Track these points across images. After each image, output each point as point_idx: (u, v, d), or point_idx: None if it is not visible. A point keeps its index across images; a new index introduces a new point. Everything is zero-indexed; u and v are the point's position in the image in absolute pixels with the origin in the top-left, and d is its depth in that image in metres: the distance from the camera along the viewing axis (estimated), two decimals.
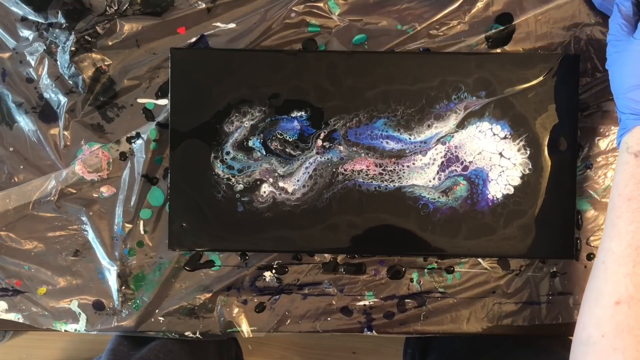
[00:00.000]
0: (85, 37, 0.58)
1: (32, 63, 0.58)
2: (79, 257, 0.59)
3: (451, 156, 0.54)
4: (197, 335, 0.59)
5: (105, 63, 0.58)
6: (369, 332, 0.58)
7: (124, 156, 0.58)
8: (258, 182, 0.54)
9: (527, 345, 0.63)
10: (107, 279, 0.59)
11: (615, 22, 0.49)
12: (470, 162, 0.54)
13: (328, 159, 0.54)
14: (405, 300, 0.58)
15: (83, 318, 0.59)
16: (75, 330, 0.59)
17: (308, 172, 0.54)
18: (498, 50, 0.57)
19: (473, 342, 0.72)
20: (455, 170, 0.54)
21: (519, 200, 0.53)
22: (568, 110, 0.53)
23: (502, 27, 0.57)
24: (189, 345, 0.68)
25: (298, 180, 0.54)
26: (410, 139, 0.54)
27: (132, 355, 0.63)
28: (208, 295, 0.59)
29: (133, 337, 0.73)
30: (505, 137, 0.53)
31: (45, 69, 0.58)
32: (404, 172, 0.54)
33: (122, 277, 0.59)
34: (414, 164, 0.54)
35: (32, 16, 0.58)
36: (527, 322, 0.58)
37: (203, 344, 0.72)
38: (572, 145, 0.54)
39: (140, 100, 0.58)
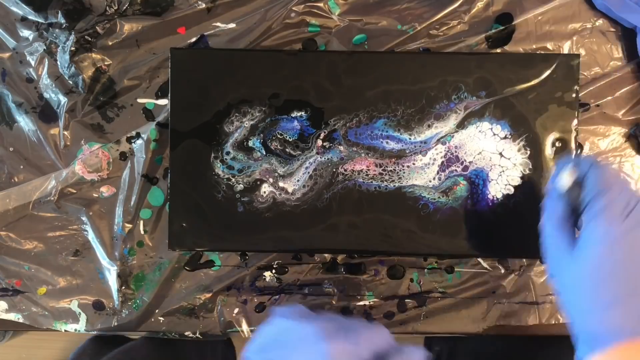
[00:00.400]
0: (85, 37, 0.58)
1: (32, 63, 0.58)
2: (79, 257, 0.59)
3: (451, 156, 0.54)
4: (197, 335, 0.59)
5: (105, 63, 0.58)
6: None
7: (124, 156, 0.58)
8: (258, 182, 0.54)
9: (533, 344, 0.62)
10: (107, 279, 0.59)
11: (549, 229, 0.42)
12: (470, 162, 0.54)
13: (328, 159, 0.54)
14: (405, 300, 0.58)
15: (83, 318, 0.59)
16: (75, 330, 0.59)
17: (308, 172, 0.54)
18: (498, 50, 0.57)
19: (504, 343, 0.71)
20: (456, 170, 0.54)
21: (519, 200, 0.53)
22: (568, 110, 0.53)
23: (502, 27, 0.57)
24: (164, 351, 0.68)
25: (298, 180, 0.54)
26: (410, 139, 0.54)
27: None
28: (208, 295, 0.59)
29: (101, 343, 0.73)
30: (505, 137, 0.53)
31: (45, 69, 0.58)
32: (404, 172, 0.54)
33: (122, 277, 0.59)
34: (414, 164, 0.54)
35: (32, 16, 0.58)
36: (527, 322, 0.58)
37: (182, 350, 0.72)
38: (572, 145, 0.54)
39: (140, 100, 0.58)
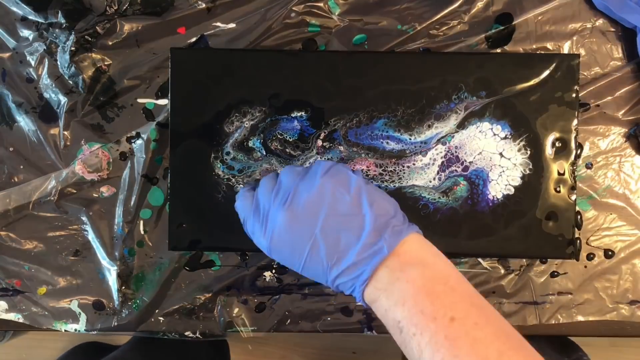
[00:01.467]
0: (85, 37, 0.58)
1: (32, 63, 0.58)
2: (79, 257, 0.59)
3: (451, 156, 0.54)
4: (197, 335, 0.59)
5: (105, 63, 0.58)
6: (369, 332, 0.58)
7: (124, 156, 0.58)
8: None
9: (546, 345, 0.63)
10: (107, 279, 0.59)
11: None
12: (470, 163, 0.54)
13: (328, 159, 0.54)
14: None
15: (83, 318, 0.59)
16: (75, 330, 0.59)
17: None
18: (498, 50, 0.57)
19: None
20: (456, 170, 0.54)
21: (520, 200, 0.53)
22: (568, 110, 0.53)
23: (502, 27, 0.57)
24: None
25: None
26: (410, 139, 0.54)
27: None
28: (208, 295, 0.59)
29: (82, 353, 0.73)
30: (505, 137, 0.53)
31: (45, 69, 0.58)
32: (404, 173, 0.54)
33: (122, 277, 0.59)
34: (414, 164, 0.54)
35: (32, 16, 0.58)
36: (527, 322, 0.58)
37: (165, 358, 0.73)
38: (572, 145, 0.54)
39: (140, 100, 0.58)
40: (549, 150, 0.53)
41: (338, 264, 0.40)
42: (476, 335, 0.36)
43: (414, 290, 0.37)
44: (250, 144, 0.54)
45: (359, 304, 0.41)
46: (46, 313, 0.59)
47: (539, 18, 0.57)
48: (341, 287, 0.41)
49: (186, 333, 0.59)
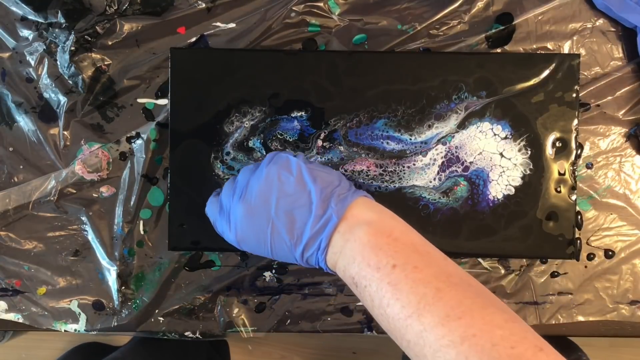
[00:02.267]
0: (85, 37, 0.58)
1: (32, 63, 0.58)
2: (79, 257, 0.59)
3: (452, 156, 0.54)
4: (197, 335, 0.59)
5: (105, 63, 0.58)
6: (369, 332, 0.58)
7: (123, 156, 0.58)
8: None
9: None
10: (107, 279, 0.59)
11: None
12: (470, 163, 0.54)
13: (328, 159, 0.54)
14: None
15: (83, 318, 0.59)
16: (75, 330, 0.59)
17: None
18: (498, 50, 0.57)
19: None
20: (456, 170, 0.54)
21: (520, 200, 0.53)
22: (568, 110, 0.53)
23: (502, 27, 0.57)
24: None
25: None
26: (410, 139, 0.54)
27: None
28: (208, 295, 0.59)
29: (82, 354, 0.73)
30: (506, 137, 0.53)
31: (45, 68, 0.58)
32: (404, 173, 0.54)
33: (122, 277, 0.59)
34: (414, 164, 0.54)
35: (32, 16, 0.58)
36: (527, 322, 0.58)
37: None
38: (572, 145, 0.54)
39: (140, 100, 0.58)
40: (549, 150, 0.53)
41: (299, 240, 0.43)
42: (415, 277, 0.38)
43: (361, 247, 0.41)
44: (250, 144, 0.54)
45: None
46: (46, 313, 0.59)
47: (539, 18, 0.57)
48: (310, 260, 0.44)
49: (186, 333, 0.59)
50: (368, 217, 0.42)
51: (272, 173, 0.45)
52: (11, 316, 0.59)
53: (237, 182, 0.47)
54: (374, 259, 0.40)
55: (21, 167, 0.59)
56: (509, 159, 0.53)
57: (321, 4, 0.57)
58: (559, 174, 0.53)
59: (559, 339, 0.64)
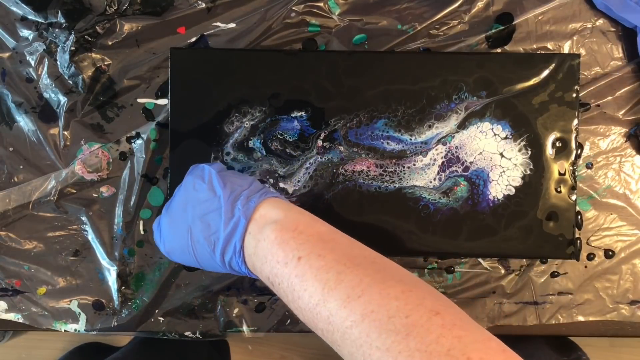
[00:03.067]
0: (85, 36, 0.58)
1: (32, 63, 0.58)
2: (79, 257, 0.59)
3: (452, 157, 0.54)
4: (197, 335, 0.59)
5: (105, 63, 0.58)
6: None
7: (123, 156, 0.58)
8: None
9: (521, 347, 0.63)
10: (107, 279, 0.59)
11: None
12: (471, 163, 0.54)
13: (328, 159, 0.54)
14: None
15: (83, 318, 0.59)
16: (75, 330, 0.59)
17: (308, 173, 0.54)
18: (498, 50, 0.57)
19: None
20: (456, 170, 0.54)
21: (520, 200, 0.53)
22: (568, 110, 0.53)
23: (502, 27, 0.57)
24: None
25: (298, 181, 0.54)
26: (410, 139, 0.54)
27: None
28: (208, 295, 0.59)
29: (83, 355, 0.73)
30: (506, 138, 0.53)
31: (45, 68, 0.58)
32: (404, 173, 0.54)
33: (122, 277, 0.59)
34: (414, 164, 0.54)
35: (32, 16, 0.58)
36: (527, 322, 0.58)
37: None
38: (572, 145, 0.54)
39: (140, 100, 0.58)
40: (549, 150, 0.53)
41: (216, 245, 0.44)
42: (319, 265, 0.39)
43: (270, 245, 0.41)
44: (251, 144, 0.54)
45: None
46: (46, 313, 0.59)
47: (540, 18, 0.57)
48: (232, 265, 0.45)
49: (186, 333, 0.59)
50: (275, 216, 0.43)
51: (189, 182, 0.47)
52: (11, 316, 0.59)
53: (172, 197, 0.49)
54: (281, 254, 0.40)
55: (21, 167, 0.59)
56: (509, 159, 0.53)
57: (321, 4, 0.57)
58: (559, 174, 0.53)
59: (558, 339, 0.64)
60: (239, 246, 0.43)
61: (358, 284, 0.37)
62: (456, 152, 0.54)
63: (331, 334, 0.38)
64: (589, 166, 0.58)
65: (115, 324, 0.59)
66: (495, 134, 0.53)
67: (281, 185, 0.54)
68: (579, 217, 0.57)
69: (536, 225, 0.54)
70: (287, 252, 0.40)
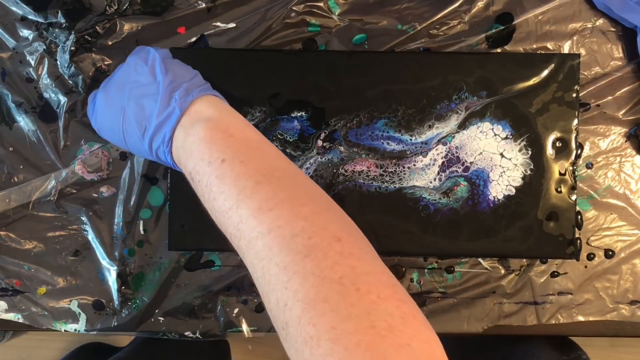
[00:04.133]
0: (85, 36, 0.58)
1: (32, 63, 0.58)
2: (79, 257, 0.59)
3: (452, 157, 0.54)
4: (197, 335, 0.59)
5: (105, 63, 0.58)
6: None
7: (123, 156, 0.58)
8: None
9: (521, 346, 0.63)
10: (107, 279, 0.59)
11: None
12: (471, 163, 0.54)
13: (328, 159, 0.54)
14: None
15: (83, 318, 0.59)
16: (75, 330, 0.59)
17: (309, 173, 0.54)
18: (498, 50, 0.57)
19: (466, 344, 0.73)
20: (456, 170, 0.54)
21: (521, 200, 0.53)
22: (568, 110, 0.53)
23: (502, 27, 0.57)
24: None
25: None
26: (411, 139, 0.54)
27: None
28: (208, 295, 0.59)
29: (85, 355, 0.73)
30: (506, 138, 0.53)
31: (45, 68, 0.58)
32: (404, 174, 0.54)
33: (122, 277, 0.59)
34: (414, 165, 0.54)
35: (32, 16, 0.58)
36: (527, 322, 0.58)
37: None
38: (573, 145, 0.54)
39: None
40: (549, 151, 0.53)
41: (148, 130, 0.43)
42: (240, 171, 0.39)
43: (198, 142, 0.41)
44: None
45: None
46: (46, 313, 0.59)
47: (540, 18, 0.57)
48: (159, 154, 0.45)
49: (186, 333, 0.59)
50: (209, 114, 0.42)
51: (131, 63, 0.46)
52: (11, 316, 0.59)
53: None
54: (207, 153, 0.40)
55: (21, 167, 0.59)
56: (510, 159, 0.53)
57: (321, 4, 0.57)
58: (560, 174, 0.53)
59: (557, 338, 0.64)
60: (169, 137, 0.43)
61: (272, 197, 0.37)
62: (456, 152, 0.54)
63: (238, 240, 0.38)
64: (589, 166, 0.58)
65: (115, 324, 0.59)
66: (495, 134, 0.53)
67: None
68: (579, 217, 0.57)
69: (536, 226, 0.54)
70: (212, 151, 0.40)
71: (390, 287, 0.35)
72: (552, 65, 0.53)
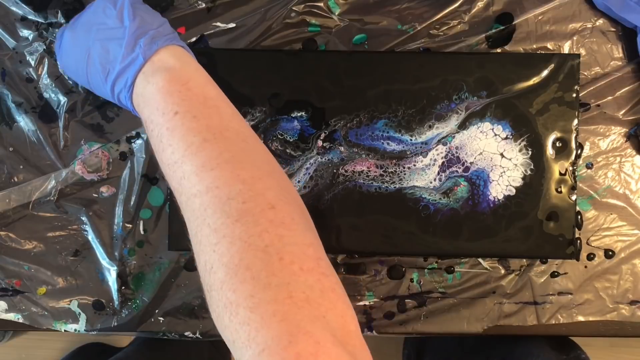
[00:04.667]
0: None
1: (32, 63, 0.58)
2: (79, 257, 0.59)
3: (452, 157, 0.54)
4: (197, 335, 0.59)
5: None
6: (369, 332, 0.58)
7: (123, 156, 0.58)
8: None
9: (521, 345, 0.63)
10: (107, 279, 0.59)
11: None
12: (471, 163, 0.54)
13: (329, 159, 0.54)
14: (406, 300, 0.58)
15: (83, 318, 0.59)
16: (75, 330, 0.59)
17: (309, 173, 0.54)
18: (498, 50, 0.57)
19: (466, 344, 0.73)
20: (456, 171, 0.54)
21: (521, 201, 0.53)
22: (568, 110, 0.53)
23: (502, 27, 0.57)
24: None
25: (299, 181, 0.54)
26: (411, 140, 0.54)
27: None
28: None
29: (84, 356, 0.74)
30: (506, 138, 0.53)
31: (45, 68, 0.58)
32: (404, 174, 0.54)
33: (122, 277, 0.59)
34: (414, 165, 0.54)
35: (32, 16, 0.58)
36: (527, 322, 0.58)
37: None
38: (573, 145, 0.54)
39: None
40: (549, 151, 0.53)
41: (111, 74, 0.43)
42: (190, 126, 0.39)
43: (156, 91, 0.41)
44: None
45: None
46: (46, 313, 0.59)
47: (539, 18, 0.57)
48: (121, 98, 0.44)
49: (186, 333, 0.59)
50: (171, 64, 0.42)
51: (100, 5, 0.46)
52: (11, 316, 0.59)
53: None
54: (162, 104, 0.40)
55: (21, 167, 0.59)
56: (510, 160, 0.53)
57: (321, 4, 0.57)
58: (560, 174, 0.53)
59: (557, 338, 0.64)
60: (130, 82, 0.43)
61: (216, 157, 0.38)
62: (456, 152, 0.54)
63: (179, 194, 0.39)
64: (589, 166, 0.58)
65: (115, 324, 0.59)
66: (495, 134, 0.53)
67: None
68: (579, 217, 0.57)
69: (536, 226, 0.54)
70: (167, 103, 0.40)
71: (315, 260, 0.35)
72: (552, 65, 0.53)
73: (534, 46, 0.57)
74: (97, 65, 0.44)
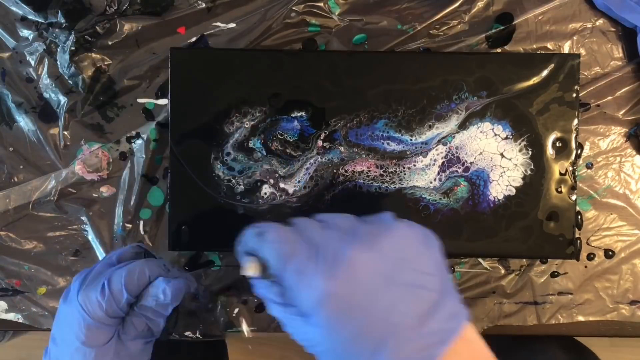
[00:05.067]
0: (85, 36, 0.58)
1: (32, 63, 0.58)
2: (79, 257, 0.59)
3: (452, 157, 0.54)
4: (197, 335, 0.59)
5: (105, 63, 0.58)
6: None
7: (123, 156, 0.58)
8: (258, 183, 0.54)
9: (522, 346, 0.63)
10: None
11: (281, 316, 0.38)
12: (471, 163, 0.54)
13: (329, 159, 0.54)
14: None
15: None
16: None
17: (309, 173, 0.54)
18: (498, 50, 0.57)
19: None
20: (456, 171, 0.54)
21: (521, 201, 0.53)
22: (568, 110, 0.53)
23: (502, 27, 0.57)
24: None
25: (299, 182, 0.54)
26: (411, 140, 0.54)
27: None
28: (208, 295, 0.59)
29: None
30: (506, 138, 0.53)
31: (45, 68, 0.58)
32: (404, 174, 0.54)
33: None
34: (414, 165, 0.54)
35: (32, 16, 0.58)
36: (527, 322, 0.58)
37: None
38: (573, 145, 0.54)
39: (140, 100, 0.58)
40: (550, 151, 0.53)
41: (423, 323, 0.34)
42: None
43: None
44: (251, 144, 0.54)
45: None
46: (46, 313, 0.59)
47: (540, 18, 0.57)
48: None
49: (186, 333, 0.59)
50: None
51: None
52: (11, 316, 0.59)
53: (318, 245, 0.36)
54: None
55: (21, 167, 0.59)
56: (510, 160, 0.53)
57: (321, 4, 0.57)
58: (560, 174, 0.53)
59: (567, 340, 0.64)
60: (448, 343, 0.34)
61: None
62: (456, 152, 0.54)
63: None
64: (589, 166, 0.58)
65: None
66: (495, 134, 0.53)
67: (281, 185, 0.54)
68: (579, 217, 0.58)
69: (536, 226, 0.54)
70: None
71: None
72: (552, 65, 0.53)
73: (534, 46, 0.57)
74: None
